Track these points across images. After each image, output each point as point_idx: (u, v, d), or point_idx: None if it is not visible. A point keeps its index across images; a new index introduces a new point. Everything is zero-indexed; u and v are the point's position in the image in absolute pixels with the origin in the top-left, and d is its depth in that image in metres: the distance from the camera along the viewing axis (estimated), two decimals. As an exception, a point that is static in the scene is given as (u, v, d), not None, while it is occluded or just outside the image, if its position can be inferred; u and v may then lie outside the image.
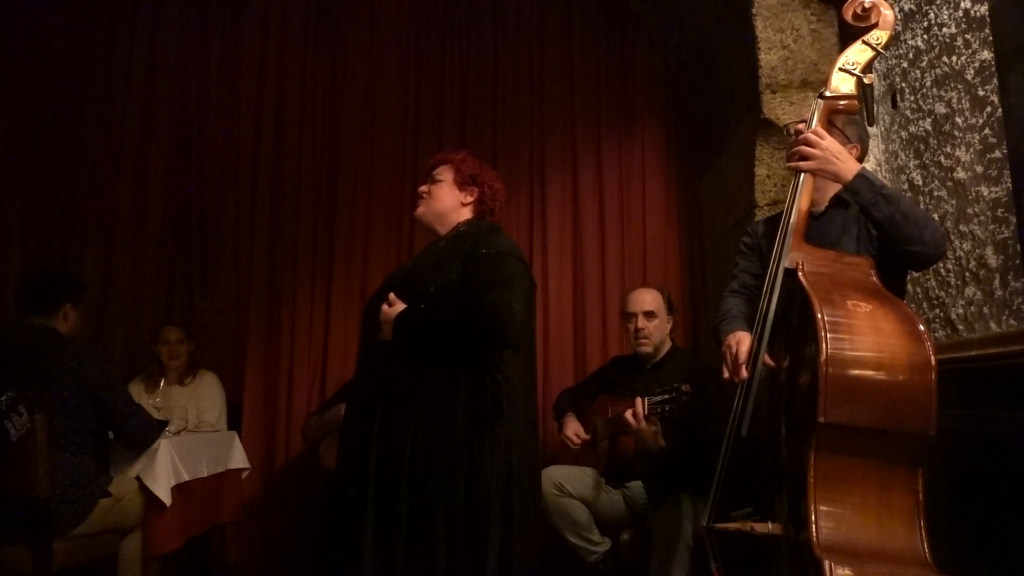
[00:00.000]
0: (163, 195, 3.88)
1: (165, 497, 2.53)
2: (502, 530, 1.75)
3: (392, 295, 1.92)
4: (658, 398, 2.41)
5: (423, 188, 2.14)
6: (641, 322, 2.74)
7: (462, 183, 2.11)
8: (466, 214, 2.12)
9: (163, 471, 2.56)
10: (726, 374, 1.71)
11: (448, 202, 2.10)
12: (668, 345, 2.82)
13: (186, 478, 2.67)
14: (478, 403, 1.82)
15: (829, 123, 1.71)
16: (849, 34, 1.70)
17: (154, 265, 3.83)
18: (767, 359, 1.59)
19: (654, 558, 2.40)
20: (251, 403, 3.61)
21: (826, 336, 1.29)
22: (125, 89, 3.94)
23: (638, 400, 2.44)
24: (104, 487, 2.45)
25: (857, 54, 1.67)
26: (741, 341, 1.69)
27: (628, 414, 2.44)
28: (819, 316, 1.31)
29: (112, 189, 3.87)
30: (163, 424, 2.82)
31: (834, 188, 1.89)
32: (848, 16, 1.69)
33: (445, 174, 2.13)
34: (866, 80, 1.66)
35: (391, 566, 1.71)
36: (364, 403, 1.90)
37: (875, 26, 1.67)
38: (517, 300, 1.81)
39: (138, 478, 2.54)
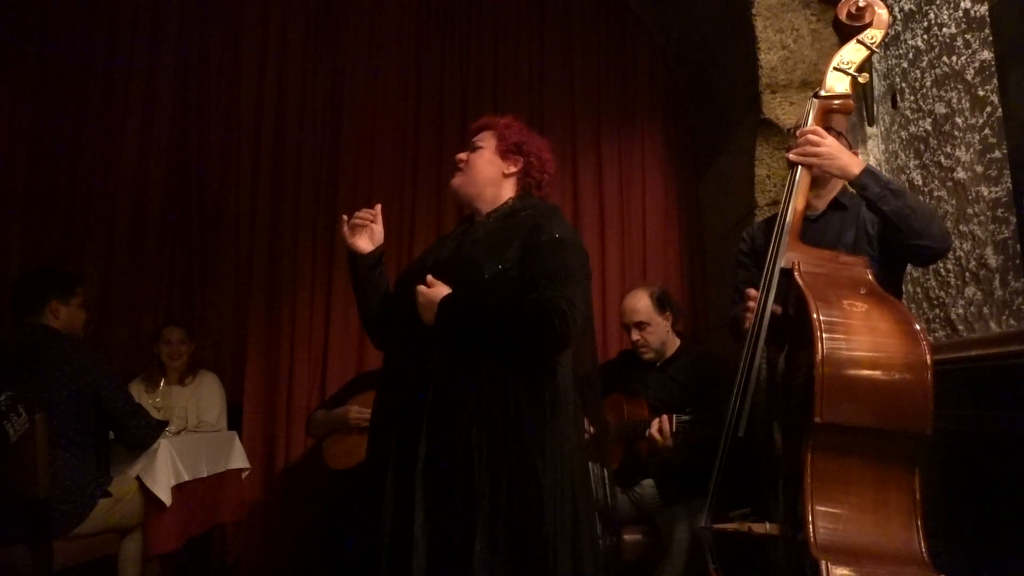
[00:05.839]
0: (163, 195, 3.89)
1: (165, 497, 2.53)
2: (572, 542, 1.60)
3: (430, 277, 1.72)
4: (686, 418, 2.39)
5: (461, 156, 1.91)
6: (635, 334, 2.70)
7: (505, 152, 1.88)
8: (509, 187, 1.88)
9: (163, 471, 2.56)
10: (749, 318, 1.67)
11: (488, 173, 1.86)
12: (676, 344, 2.76)
13: (186, 478, 2.67)
14: (536, 398, 1.64)
15: (827, 126, 1.72)
16: (843, 33, 1.70)
17: (154, 264, 3.84)
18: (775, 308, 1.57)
19: (667, 558, 2.39)
20: (251, 403, 3.62)
21: (822, 336, 1.29)
22: (125, 89, 3.94)
23: (664, 417, 2.42)
24: (104, 487, 2.45)
25: (852, 53, 1.67)
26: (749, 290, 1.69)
27: (655, 431, 2.42)
28: (815, 316, 1.31)
29: (112, 188, 3.88)
30: (163, 424, 2.82)
31: (832, 191, 1.91)
32: (842, 16, 1.69)
33: (487, 141, 1.89)
34: (860, 79, 1.67)
35: (447, 566, 1.54)
36: (407, 393, 1.69)
37: (869, 25, 1.67)
38: (578, 296, 1.64)
39: (138, 478, 2.54)
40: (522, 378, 1.64)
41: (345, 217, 1.93)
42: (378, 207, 1.96)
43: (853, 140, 1.92)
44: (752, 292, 1.66)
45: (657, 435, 2.42)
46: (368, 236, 1.93)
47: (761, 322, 1.52)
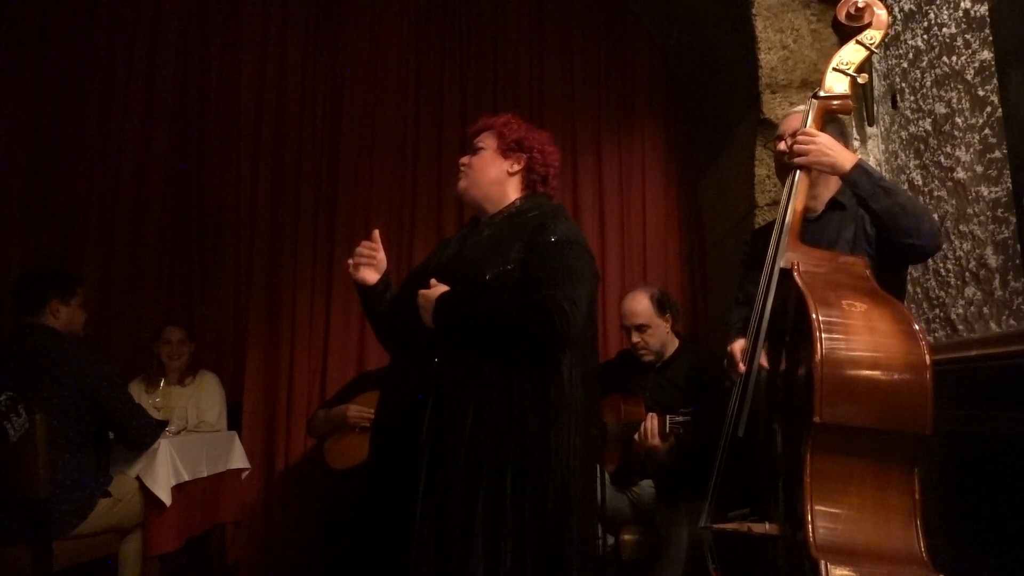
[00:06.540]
0: (163, 195, 3.89)
1: (165, 497, 2.54)
2: (577, 544, 1.59)
3: (433, 280, 1.72)
4: (680, 418, 2.39)
5: (464, 160, 1.91)
6: (635, 337, 2.71)
7: (507, 150, 1.88)
8: (515, 185, 1.88)
9: (163, 471, 2.56)
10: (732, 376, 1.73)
11: (492, 173, 1.86)
12: (674, 344, 2.78)
13: (186, 478, 2.68)
14: (540, 399, 1.63)
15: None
16: (843, 34, 1.70)
17: (154, 265, 3.84)
18: (763, 361, 1.60)
19: (664, 557, 2.39)
20: (251, 403, 3.62)
21: (821, 336, 1.29)
22: (125, 89, 3.94)
23: (653, 416, 2.43)
24: (104, 487, 2.45)
25: (851, 54, 1.67)
26: (735, 346, 1.72)
27: (643, 430, 2.43)
28: (814, 316, 1.31)
29: (112, 189, 3.88)
30: (163, 424, 2.82)
31: (830, 192, 1.90)
32: (842, 16, 1.69)
33: (487, 141, 1.89)
34: (860, 80, 1.67)
35: (449, 568, 1.52)
36: (409, 398, 1.68)
37: (868, 26, 1.68)
38: (581, 297, 1.62)
39: (138, 478, 2.55)
40: (526, 379, 1.63)
41: (351, 261, 1.94)
42: (376, 234, 1.97)
43: (838, 137, 1.91)
44: (737, 350, 1.69)
45: (646, 434, 2.43)
46: (373, 267, 1.93)
47: (761, 322, 1.52)
